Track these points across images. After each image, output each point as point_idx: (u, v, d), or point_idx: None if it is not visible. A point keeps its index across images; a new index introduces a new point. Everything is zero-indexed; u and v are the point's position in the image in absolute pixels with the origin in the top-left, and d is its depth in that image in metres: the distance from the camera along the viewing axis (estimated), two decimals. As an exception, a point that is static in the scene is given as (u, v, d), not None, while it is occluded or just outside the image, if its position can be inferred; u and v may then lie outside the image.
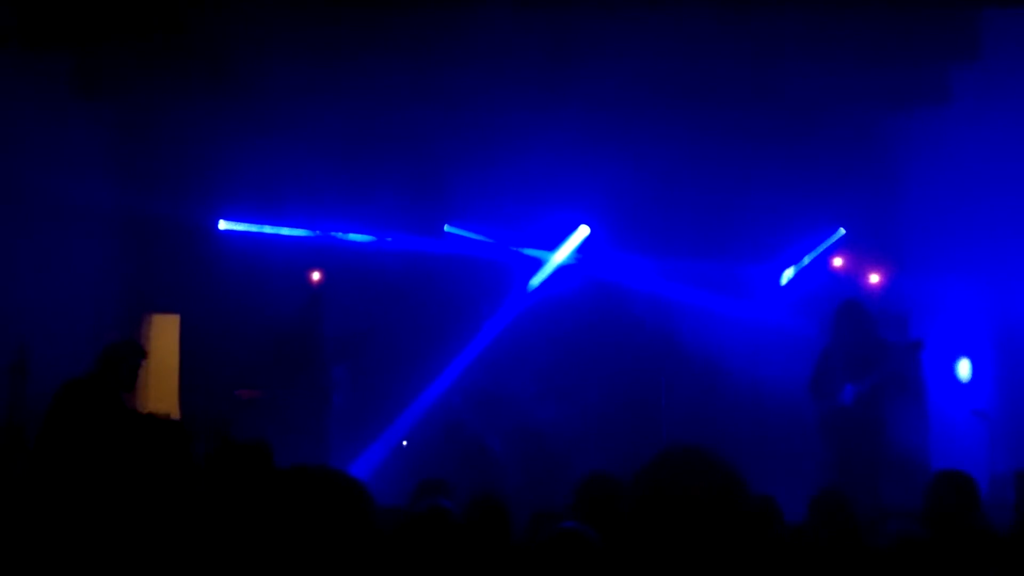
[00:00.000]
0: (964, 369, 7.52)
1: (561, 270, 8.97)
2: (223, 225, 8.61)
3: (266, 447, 3.64)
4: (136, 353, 6.26)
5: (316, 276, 8.56)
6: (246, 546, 1.63)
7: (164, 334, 8.63)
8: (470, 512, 3.80)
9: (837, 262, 8.44)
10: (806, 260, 8.58)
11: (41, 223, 6.97)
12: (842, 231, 8.45)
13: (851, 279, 8.31)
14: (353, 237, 8.73)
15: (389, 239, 8.68)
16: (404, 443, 8.31)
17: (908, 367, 7.18)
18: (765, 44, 6.83)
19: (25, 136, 6.64)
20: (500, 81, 7.26)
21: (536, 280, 8.99)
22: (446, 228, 8.90)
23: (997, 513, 4.75)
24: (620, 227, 8.66)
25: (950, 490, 4.09)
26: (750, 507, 1.84)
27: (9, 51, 6.08)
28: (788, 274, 8.64)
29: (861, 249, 8.37)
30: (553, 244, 9.00)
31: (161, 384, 8.38)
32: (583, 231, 8.89)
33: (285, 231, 8.65)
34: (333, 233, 8.67)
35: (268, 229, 8.63)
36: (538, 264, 9.03)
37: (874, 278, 8.21)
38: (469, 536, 3.26)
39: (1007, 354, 7.37)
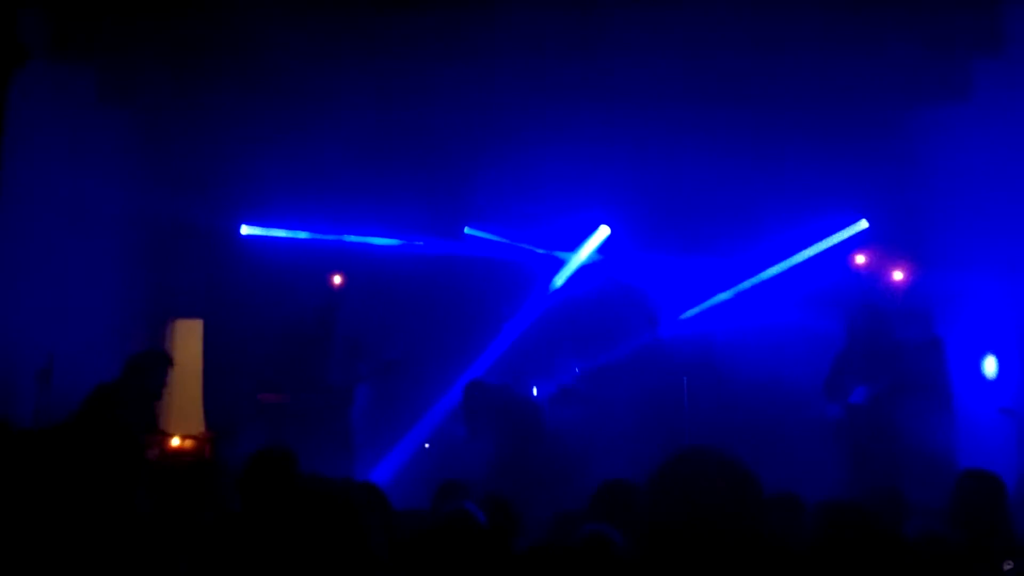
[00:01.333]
0: (991, 366, 7.43)
1: (582, 270, 8.97)
2: (245, 230, 8.69)
3: (289, 456, 3.67)
4: (163, 362, 6.38)
5: (337, 280, 8.61)
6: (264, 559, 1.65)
7: (188, 339, 8.71)
8: (485, 511, 3.82)
9: (860, 259, 8.38)
10: (820, 247, 8.50)
11: (67, 229, 7.05)
12: (865, 223, 8.39)
13: (873, 276, 8.24)
14: (374, 240, 8.77)
15: (419, 243, 8.72)
16: (427, 446, 8.33)
17: (928, 366, 7.14)
18: (787, 38, 6.79)
19: (52, 143, 6.72)
20: (522, 79, 7.26)
21: (558, 280, 9.00)
22: (467, 230, 8.92)
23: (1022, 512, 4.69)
24: (641, 226, 8.64)
25: (976, 489, 4.05)
26: (764, 507, 1.84)
27: (39, 60, 6.17)
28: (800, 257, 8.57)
29: (884, 245, 8.30)
30: (574, 244, 9.00)
31: (185, 388, 8.45)
32: (604, 231, 8.88)
33: (305, 235, 8.72)
34: (354, 237, 8.72)
35: (289, 234, 8.70)
36: (559, 264, 9.03)
37: (898, 275, 8.14)
38: (492, 539, 3.26)
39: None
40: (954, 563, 3.49)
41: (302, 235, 8.73)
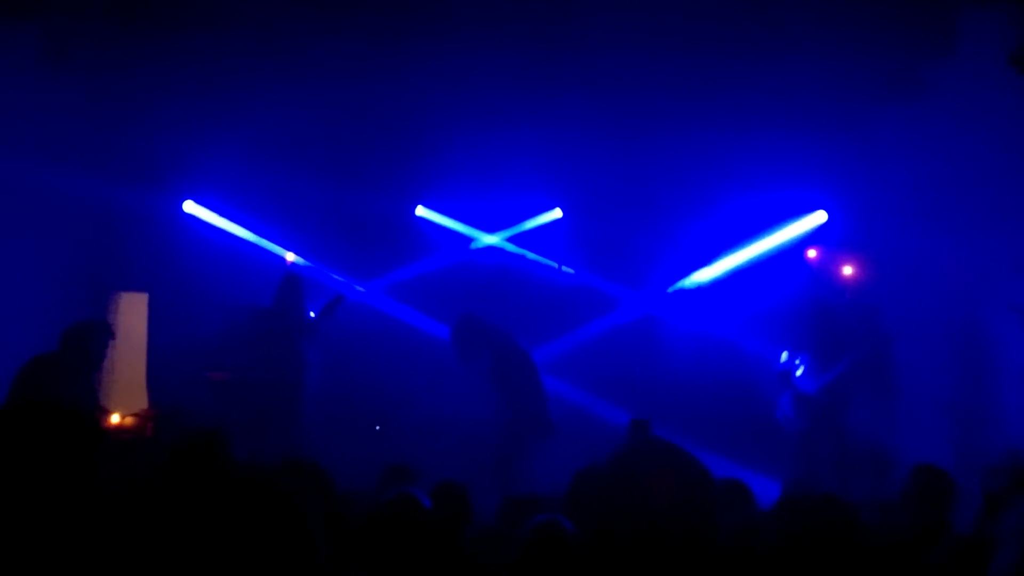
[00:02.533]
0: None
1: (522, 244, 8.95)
2: (188, 207, 8.52)
3: (222, 436, 3.56)
4: (104, 332, 6.17)
5: (290, 257, 8.49)
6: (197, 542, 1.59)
7: (132, 313, 8.51)
8: (433, 498, 3.78)
9: (811, 253, 8.48)
10: (779, 238, 8.57)
11: (5, 198, 6.82)
12: (824, 215, 8.49)
13: (824, 270, 8.35)
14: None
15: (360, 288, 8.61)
16: (377, 428, 8.26)
17: (875, 361, 7.29)
18: (749, 33, 6.83)
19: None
20: (479, 58, 7.20)
21: (483, 242, 8.94)
22: (418, 211, 8.85)
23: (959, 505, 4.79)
24: (594, 211, 8.64)
25: (928, 484, 4.11)
26: (715, 497, 1.83)
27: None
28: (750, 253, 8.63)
29: (838, 241, 8.41)
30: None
31: (128, 364, 8.27)
32: (556, 213, 8.87)
33: (246, 233, 8.58)
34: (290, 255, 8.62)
35: (229, 224, 8.58)
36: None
37: (847, 270, 8.26)
38: (437, 523, 3.23)
39: (970, 348, 7.45)
40: (903, 553, 3.55)
41: (243, 232, 8.60)
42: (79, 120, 7.63)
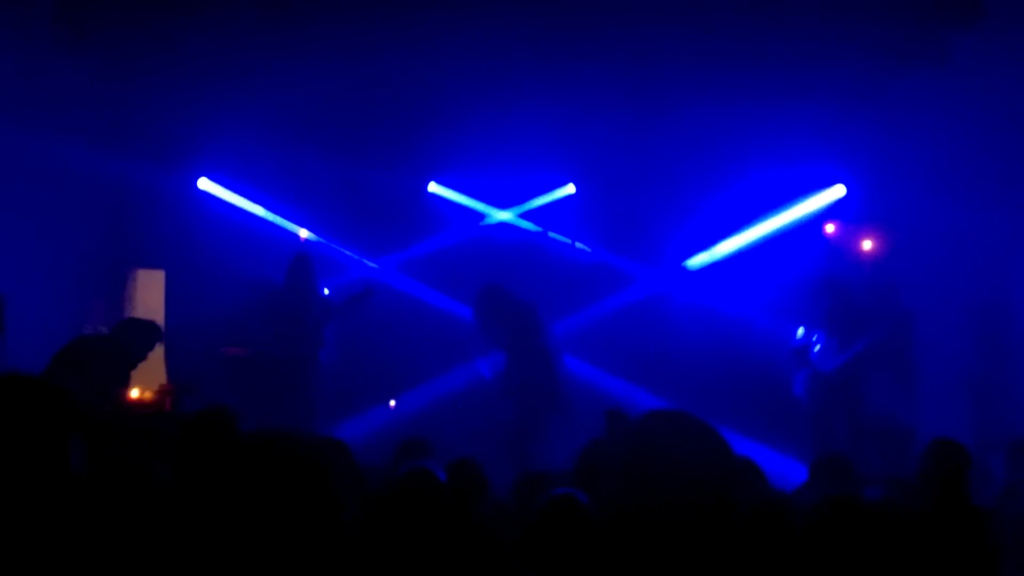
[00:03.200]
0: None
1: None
2: (203, 184, 8.51)
3: (229, 413, 3.56)
4: (154, 334, 6.32)
5: (304, 234, 8.48)
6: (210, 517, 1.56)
7: (149, 289, 8.55)
8: (448, 473, 3.77)
9: (830, 228, 8.38)
10: (797, 211, 8.48)
11: (22, 175, 6.84)
12: (842, 188, 8.38)
13: (842, 245, 8.26)
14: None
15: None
16: (392, 403, 8.28)
17: (894, 338, 7.22)
18: (766, 2, 6.72)
19: (4, 86, 6.48)
20: (492, 32, 7.12)
21: (495, 219, 8.90)
22: (431, 187, 8.80)
23: (980, 483, 4.75)
24: (608, 186, 8.56)
25: (941, 459, 4.08)
26: (735, 469, 1.79)
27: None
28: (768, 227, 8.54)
29: (857, 214, 8.31)
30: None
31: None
32: (569, 189, 8.80)
33: (260, 210, 8.57)
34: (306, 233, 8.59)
35: (244, 202, 8.56)
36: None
37: (867, 245, 8.16)
38: (452, 498, 3.22)
39: (992, 324, 7.36)
40: (913, 530, 3.51)
41: (259, 210, 8.58)
42: (95, 96, 7.64)
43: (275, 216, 8.64)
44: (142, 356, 6.25)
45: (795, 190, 8.45)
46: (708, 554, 1.70)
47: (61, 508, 1.87)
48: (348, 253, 8.67)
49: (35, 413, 1.99)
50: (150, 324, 6.48)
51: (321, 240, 8.63)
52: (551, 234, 8.83)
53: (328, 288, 7.81)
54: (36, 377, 2.13)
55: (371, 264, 8.69)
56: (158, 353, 8.29)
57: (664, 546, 1.71)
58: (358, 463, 3.72)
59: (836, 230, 8.34)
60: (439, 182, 8.82)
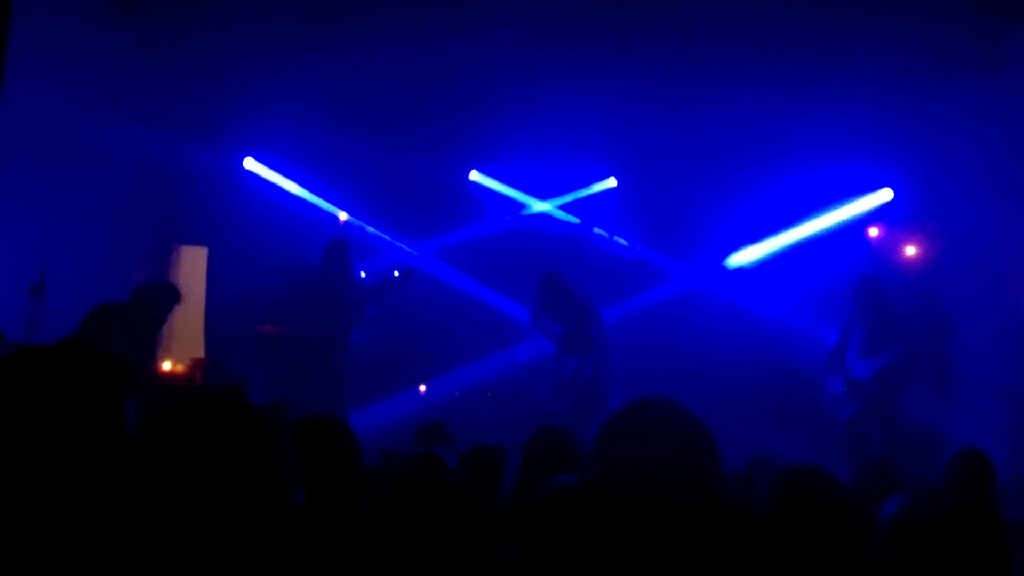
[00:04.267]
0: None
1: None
2: (248, 164, 8.64)
3: (238, 388, 3.59)
4: (171, 294, 6.39)
5: (343, 216, 8.57)
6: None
7: (193, 265, 8.72)
8: (464, 462, 3.78)
9: (873, 232, 8.22)
10: (843, 214, 8.33)
11: (71, 152, 7.01)
12: (889, 192, 8.21)
13: (886, 250, 8.09)
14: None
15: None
16: (422, 388, 8.34)
17: (932, 344, 7.06)
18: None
19: (55, 64, 6.63)
20: (538, 21, 7.09)
21: (534, 209, 8.89)
22: (472, 175, 8.82)
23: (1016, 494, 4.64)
24: (649, 181, 8.50)
25: (968, 468, 4.00)
26: (717, 460, 1.78)
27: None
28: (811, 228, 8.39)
29: (903, 217, 8.14)
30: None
31: (188, 314, 8.48)
32: (610, 182, 8.76)
33: (302, 191, 8.65)
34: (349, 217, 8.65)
35: (287, 182, 8.65)
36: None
37: (910, 250, 7.98)
38: (460, 485, 3.23)
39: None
40: (933, 539, 3.44)
41: (302, 192, 8.67)
42: (144, 75, 7.78)
43: (316, 198, 8.75)
44: (163, 318, 6.31)
45: (840, 191, 8.30)
46: (686, 543, 1.70)
47: (120, 471, 1.91)
48: (386, 238, 8.74)
49: (96, 380, 2.05)
50: (167, 285, 6.54)
51: (360, 224, 8.71)
52: (596, 229, 8.81)
53: (365, 271, 7.88)
54: (92, 345, 2.18)
55: (408, 249, 8.75)
56: (197, 327, 8.48)
57: (643, 531, 1.71)
58: (379, 448, 3.74)
59: (880, 234, 8.17)
60: (481, 171, 8.84)
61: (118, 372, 2.09)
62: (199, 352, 7.92)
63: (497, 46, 7.38)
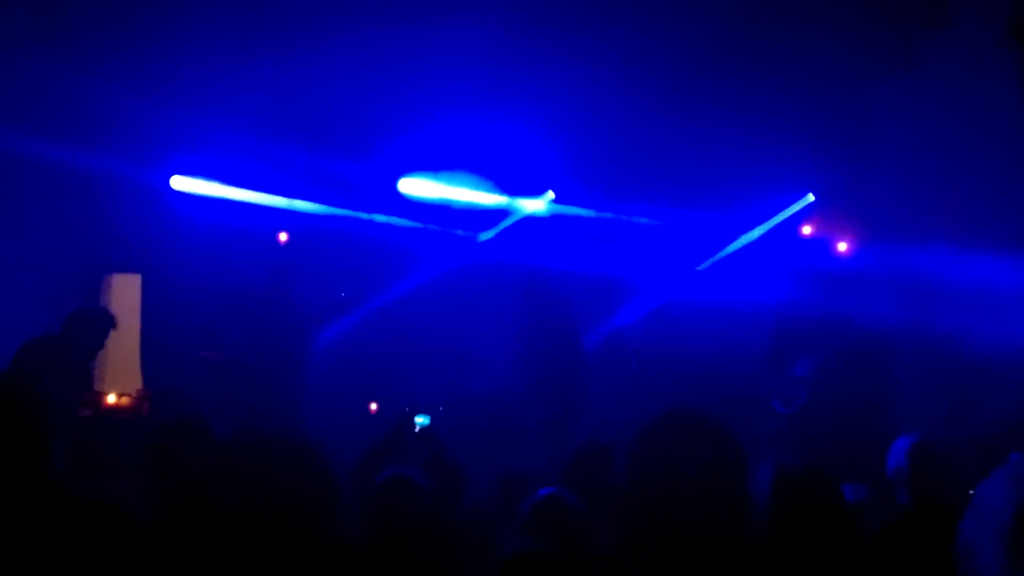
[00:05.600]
0: None
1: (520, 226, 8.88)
2: (176, 183, 8.34)
3: (201, 421, 3.53)
4: (106, 321, 6.20)
5: (283, 237, 8.43)
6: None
7: (125, 294, 8.45)
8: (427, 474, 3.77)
9: (807, 229, 8.45)
10: (769, 224, 8.54)
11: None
12: (811, 197, 8.44)
13: (820, 245, 8.31)
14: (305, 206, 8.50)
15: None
16: (373, 406, 8.26)
17: (868, 341, 7.28)
18: (741, 5, 6.76)
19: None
20: (465, 33, 7.08)
21: (488, 235, 8.89)
22: (402, 185, 8.70)
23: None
24: (582, 184, 8.55)
25: (924, 459, 4.11)
26: (746, 465, 1.74)
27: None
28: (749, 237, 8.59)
29: (831, 216, 8.37)
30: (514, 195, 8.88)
31: (122, 345, 8.22)
32: (549, 196, 8.79)
33: (240, 193, 8.43)
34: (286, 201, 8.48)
35: (223, 188, 8.37)
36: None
37: (842, 246, 8.24)
38: (433, 500, 3.22)
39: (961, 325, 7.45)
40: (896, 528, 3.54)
41: (238, 193, 8.42)
42: (67, 93, 7.47)
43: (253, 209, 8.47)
44: (98, 346, 6.15)
45: (767, 201, 8.47)
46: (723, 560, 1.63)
47: (43, 509, 1.86)
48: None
49: (15, 415, 1.98)
50: (99, 311, 6.37)
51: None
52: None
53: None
54: (9, 378, 2.11)
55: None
56: (133, 358, 8.22)
57: (679, 553, 1.64)
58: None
59: (812, 231, 8.41)
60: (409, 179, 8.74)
61: (42, 409, 2.03)
62: (135, 383, 7.69)
63: (425, 61, 7.33)
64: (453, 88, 7.69)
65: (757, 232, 8.55)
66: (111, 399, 6.04)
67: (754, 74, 7.43)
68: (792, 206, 8.49)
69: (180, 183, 8.31)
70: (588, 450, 3.95)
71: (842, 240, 8.22)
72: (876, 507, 3.88)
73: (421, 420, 4.71)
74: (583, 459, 3.88)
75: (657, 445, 1.71)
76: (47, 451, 1.98)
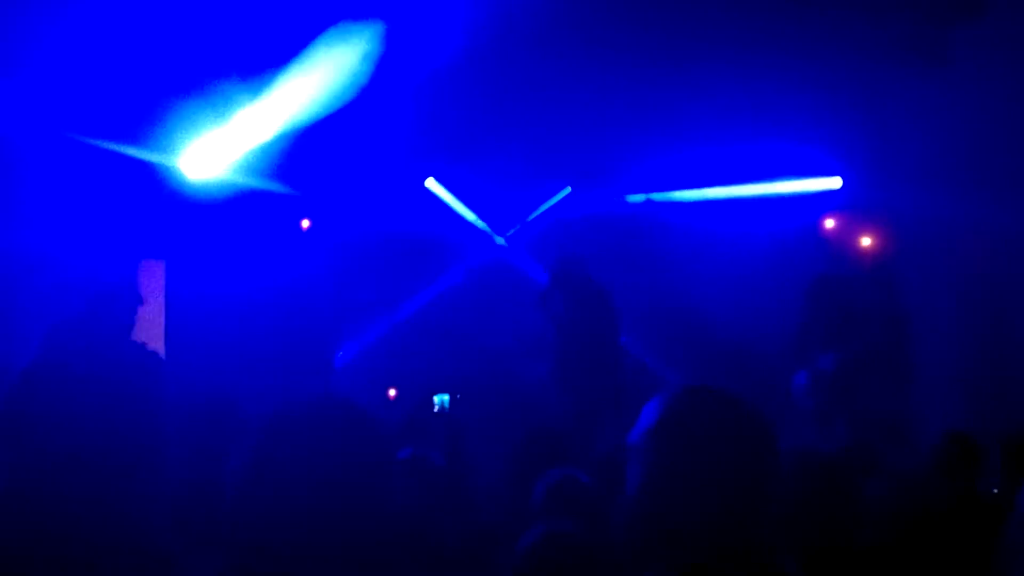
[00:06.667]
0: None
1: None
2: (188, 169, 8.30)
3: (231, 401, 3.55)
4: (132, 299, 6.21)
5: (306, 224, 8.48)
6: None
7: (149, 281, 8.50)
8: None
9: (829, 223, 8.37)
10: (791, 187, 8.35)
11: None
12: (839, 181, 8.32)
13: (841, 242, 8.24)
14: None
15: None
16: (392, 392, 8.29)
17: (892, 339, 7.21)
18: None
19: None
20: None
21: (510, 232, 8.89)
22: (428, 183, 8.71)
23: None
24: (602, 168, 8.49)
25: (957, 451, 4.06)
26: (776, 450, 1.61)
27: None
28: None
29: (855, 210, 8.28)
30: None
31: (146, 333, 8.28)
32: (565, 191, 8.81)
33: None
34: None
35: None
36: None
37: (866, 241, 8.15)
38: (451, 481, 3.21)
39: (992, 320, 7.37)
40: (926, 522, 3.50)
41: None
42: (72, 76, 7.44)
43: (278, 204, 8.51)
44: (128, 324, 6.16)
45: (784, 168, 8.33)
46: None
47: None
48: None
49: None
50: (123, 288, 6.37)
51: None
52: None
53: None
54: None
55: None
56: (158, 346, 8.28)
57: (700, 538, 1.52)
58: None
59: (835, 227, 8.33)
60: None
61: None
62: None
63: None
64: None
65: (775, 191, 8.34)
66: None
67: (783, 57, 7.28)
68: (814, 180, 8.33)
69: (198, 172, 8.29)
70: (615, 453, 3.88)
71: (865, 236, 8.13)
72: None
73: (440, 399, 4.67)
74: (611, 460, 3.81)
75: (678, 428, 1.58)
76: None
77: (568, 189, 8.83)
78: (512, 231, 8.96)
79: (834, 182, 8.35)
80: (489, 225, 8.94)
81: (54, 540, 1.63)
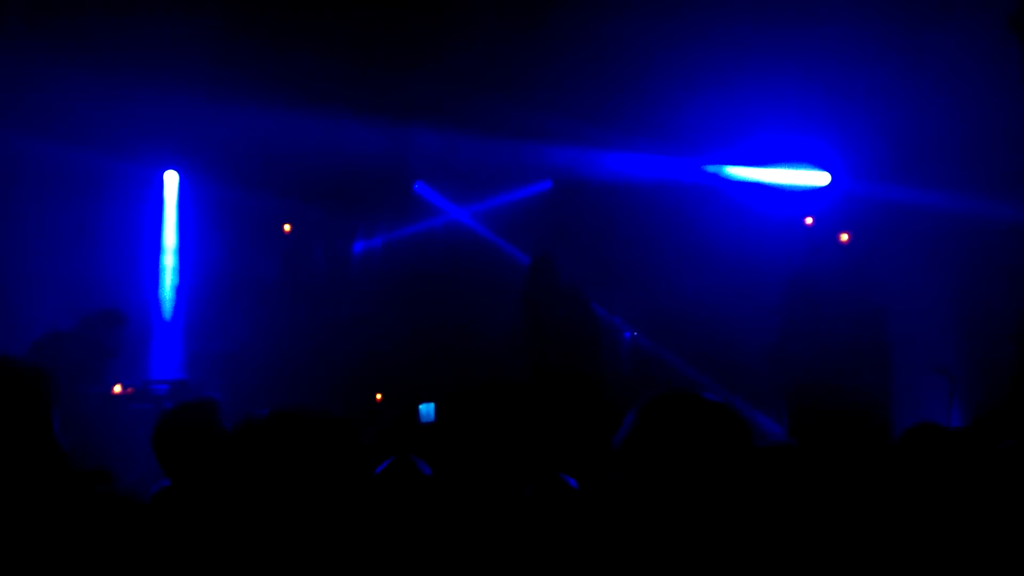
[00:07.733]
0: None
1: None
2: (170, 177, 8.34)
3: (212, 405, 3.58)
4: (115, 321, 6.30)
5: (287, 228, 8.49)
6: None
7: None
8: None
9: (808, 221, 8.44)
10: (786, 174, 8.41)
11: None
12: (828, 176, 8.34)
13: (821, 234, 8.30)
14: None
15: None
16: (378, 396, 8.32)
17: (868, 334, 7.28)
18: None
19: None
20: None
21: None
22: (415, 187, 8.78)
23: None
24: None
25: (927, 441, 4.12)
26: (751, 442, 1.66)
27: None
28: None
29: (835, 204, 8.32)
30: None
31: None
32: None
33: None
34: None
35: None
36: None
37: (844, 236, 8.23)
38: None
39: (965, 311, 7.46)
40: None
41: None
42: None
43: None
44: (115, 347, 6.27)
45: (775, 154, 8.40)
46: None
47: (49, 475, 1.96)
48: None
49: (14, 388, 2.07)
50: (110, 312, 6.45)
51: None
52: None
53: None
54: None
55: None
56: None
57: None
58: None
59: (815, 221, 8.40)
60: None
61: (39, 382, 2.12)
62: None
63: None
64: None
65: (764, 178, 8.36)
66: (117, 389, 6.14)
67: (762, 51, 7.29)
68: (805, 171, 8.37)
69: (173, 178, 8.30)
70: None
71: (844, 232, 8.21)
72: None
73: (425, 409, 4.68)
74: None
75: (653, 432, 1.64)
76: (48, 423, 2.05)
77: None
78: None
79: (822, 177, 8.40)
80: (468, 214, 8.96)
81: None
